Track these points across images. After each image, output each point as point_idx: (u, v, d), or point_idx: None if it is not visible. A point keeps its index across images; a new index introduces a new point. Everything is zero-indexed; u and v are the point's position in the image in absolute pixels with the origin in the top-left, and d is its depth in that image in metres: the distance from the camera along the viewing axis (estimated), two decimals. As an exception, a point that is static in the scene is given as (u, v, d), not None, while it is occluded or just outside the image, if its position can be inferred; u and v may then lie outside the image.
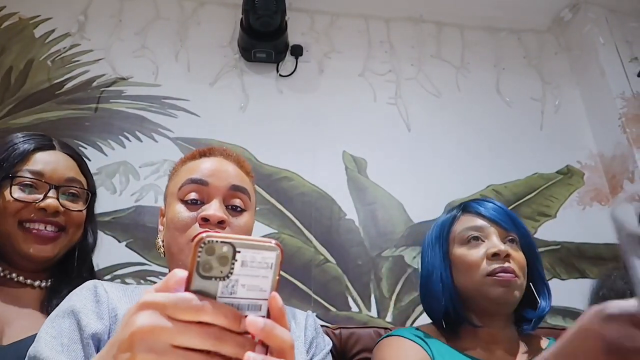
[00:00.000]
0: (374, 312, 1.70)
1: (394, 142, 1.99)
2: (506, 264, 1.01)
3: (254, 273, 0.42)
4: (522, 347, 1.05)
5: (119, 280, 1.58)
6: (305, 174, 1.86)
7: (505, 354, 1.02)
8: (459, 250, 1.06)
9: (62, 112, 1.80)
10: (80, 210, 1.05)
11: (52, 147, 1.06)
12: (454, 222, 1.11)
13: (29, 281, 1.01)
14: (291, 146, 1.90)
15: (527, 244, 1.09)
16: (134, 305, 0.43)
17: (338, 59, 2.11)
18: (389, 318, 1.70)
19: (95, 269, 1.55)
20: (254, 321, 0.41)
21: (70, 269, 1.06)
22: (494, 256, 1.01)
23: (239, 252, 0.41)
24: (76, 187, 1.05)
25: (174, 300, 0.40)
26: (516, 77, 2.21)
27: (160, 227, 0.94)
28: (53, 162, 1.03)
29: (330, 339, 1.27)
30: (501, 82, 2.18)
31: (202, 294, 0.41)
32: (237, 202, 0.88)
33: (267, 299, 0.43)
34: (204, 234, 0.41)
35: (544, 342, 1.09)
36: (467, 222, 1.08)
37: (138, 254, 1.64)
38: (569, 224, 1.93)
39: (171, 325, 0.40)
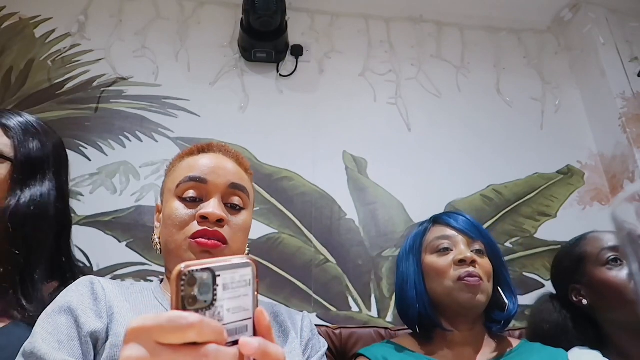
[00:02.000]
0: (374, 312, 1.70)
1: (394, 142, 1.99)
2: (471, 269, 1.09)
3: (235, 294, 0.42)
4: (490, 347, 1.12)
5: (119, 280, 1.58)
6: (306, 174, 1.86)
7: (473, 354, 1.10)
8: (430, 258, 1.15)
9: (63, 112, 1.80)
10: None
11: None
12: (425, 233, 1.20)
13: None
14: (291, 146, 1.90)
15: (493, 252, 1.17)
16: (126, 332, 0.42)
17: (338, 59, 2.11)
18: (389, 318, 1.70)
19: (96, 268, 1.57)
20: (248, 343, 0.40)
21: (21, 248, 0.91)
22: (461, 262, 1.10)
23: (219, 275, 0.41)
24: None
25: (158, 323, 0.39)
26: (516, 77, 2.21)
27: (157, 224, 0.93)
28: None
29: (331, 339, 1.28)
30: (501, 82, 2.18)
31: None
32: (235, 200, 0.88)
33: (251, 318, 0.43)
34: (182, 266, 0.40)
35: (515, 342, 1.15)
36: (437, 232, 1.18)
37: (138, 254, 1.64)
38: (569, 224, 1.93)
39: (158, 355, 0.39)
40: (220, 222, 0.83)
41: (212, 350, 0.39)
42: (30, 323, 0.78)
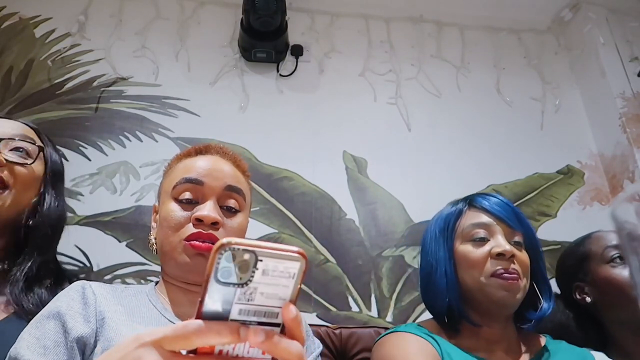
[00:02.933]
0: (374, 312, 1.70)
1: (394, 142, 1.99)
2: (510, 266, 1.00)
3: (274, 282, 0.41)
4: (522, 347, 1.05)
5: (119, 280, 1.58)
6: (306, 174, 1.86)
7: (505, 354, 1.02)
8: (464, 247, 1.04)
9: (63, 112, 1.80)
10: (24, 164, 0.95)
11: (8, 118, 1.01)
12: (460, 216, 1.09)
13: None
14: (291, 146, 1.90)
15: (532, 244, 1.08)
16: (129, 340, 0.42)
17: (338, 59, 2.11)
18: (389, 318, 1.70)
19: (96, 268, 1.57)
20: (256, 332, 0.40)
21: (33, 244, 0.95)
22: (499, 256, 1.00)
23: (261, 260, 0.40)
24: (25, 142, 0.96)
25: (165, 334, 0.40)
26: (516, 77, 2.21)
27: (154, 224, 0.93)
28: (2, 120, 0.98)
29: (331, 338, 1.28)
30: (501, 81, 2.18)
31: (217, 299, 0.40)
32: (231, 202, 0.88)
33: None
34: (225, 240, 0.40)
35: (542, 340, 1.09)
36: (473, 218, 1.07)
37: (138, 253, 1.64)
38: (569, 224, 1.93)
39: None
40: (215, 224, 0.83)
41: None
42: (28, 318, 0.80)
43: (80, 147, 1.74)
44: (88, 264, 1.58)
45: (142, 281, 1.60)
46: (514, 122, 2.11)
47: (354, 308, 1.69)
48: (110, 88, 1.88)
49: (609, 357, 1.09)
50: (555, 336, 1.13)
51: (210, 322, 0.39)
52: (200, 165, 0.88)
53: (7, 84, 1.79)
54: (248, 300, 0.40)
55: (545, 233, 1.91)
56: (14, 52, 1.86)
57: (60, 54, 1.90)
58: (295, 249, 0.41)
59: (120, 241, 1.65)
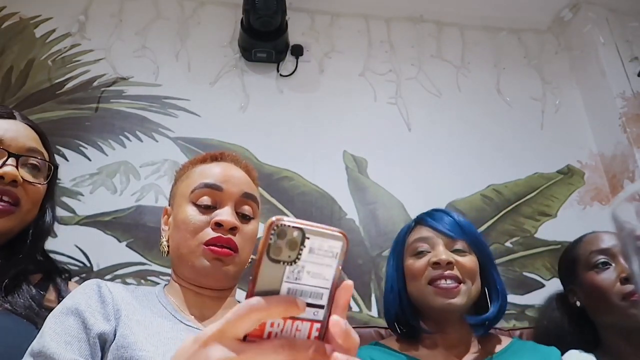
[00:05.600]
0: (374, 312, 1.70)
1: (395, 142, 1.99)
2: (447, 272, 1.06)
3: (319, 261, 0.42)
4: (476, 348, 1.10)
5: (119, 280, 1.58)
6: (306, 174, 1.86)
7: (458, 356, 1.08)
8: (408, 261, 1.13)
9: (63, 112, 1.80)
10: (39, 185, 0.97)
11: (12, 117, 1.00)
12: (408, 234, 1.18)
13: None
14: (291, 146, 1.90)
15: (479, 249, 1.13)
16: (188, 343, 0.43)
17: (338, 59, 2.11)
18: (389, 318, 1.70)
19: (96, 268, 1.57)
20: (337, 322, 0.42)
21: (22, 250, 0.96)
22: (435, 265, 1.07)
23: (308, 238, 0.41)
24: (37, 159, 0.98)
25: (227, 320, 0.41)
26: (516, 77, 2.21)
27: (165, 227, 0.94)
28: (14, 130, 0.96)
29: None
30: (501, 81, 2.18)
31: (268, 278, 0.41)
32: (246, 209, 0.90)
33: (328, 288, 0.43)
34: (274, 218, 0.41)
35: (505, 341, 1.13)
36: (416, 234, 1.15)
37: (139, 253, 1.64)
38: (569, 224, 1.93)
39: (243, 355, 0.40)
40: (233, 230, 0.85)
41: (289, 341, 0.41)
42: (18, 312, 0.83)
43: (81, 147, 1.74)
44: (88, 264, 1.58)
45: (142, 281, 1.60)
46: (514, 122, 2.11)
47: (355, 308, 1.69)
48: (111, 88, 1.88)
49: (600, 358, 1.10)
50: (550, 334, 1.15)
51: (268, 297, 0.40)
52: (218, 172, 0.91)
53: (7, 83, 1.79)
54: (296, 279, 0.41)
55: (546, 233, 1.91)
56: (14, 52, 1.86)
57: (61, 54, 1.90)
58: (336, 229, 0.43)
59: (120, 241, 1.65)
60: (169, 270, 0.96)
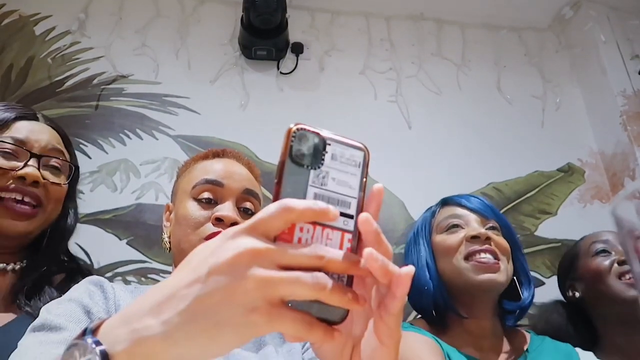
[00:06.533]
0: (374, 310, 1.70)
1: (395, 140, 1.98)
2: (485, 245, 1.00)
3: (343, 169, 0.43)
4: (508, 345, 1.04)
5: (119, 278, 1.58)
6: (306, 172, 1.86)
7: (492, 350, 1.02)
8: (440, 237, 1.06)
9: (63, 110, 1.80)
10: (61, 185, 0.98)
11: (36, 118, 1.01)
12: (434, 215, 1.12)
13: None
14: (292, 144, 1.90)
15: (509, 234, 1.09)
16: (217, 237, 0.40)
17: (339, 57, 2.11)
18: (389, 316, 1.69)
19: (96, 266, 1.57)
20: (367, 218, 0.41)
21: (47, 251, 0.98)
22: (474, 238, 1.01)
23: (329, 144, 0.42)
24: (59, 159, 0.99)
25: (264, 217, 0.39)
26: (517, 75, 2.21)
27: (167, 223, 0.95)
28: (37, 131, 0.98)
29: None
30: (502, 80, 2.18)
31: (293, 182, 0.41)
32: (248, 205, 0.91)
33: (356, 198, 0.43)
34: (293, 124, 0.41)
35: (527, 337, 1.09)
36: (446, 212, 1.10)
37: (139, 251, 1.64)
38: (569, 222, 1.93)
39: (275, 246, 0.38)
40: (234, 225, 0.84)
41: (321, 246, 0.39)
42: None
43: (81, 145, 1.74)
44: (89, 262, 1.58)
45: (143, 279, 1.60)
46: (515, 120, 2.11)
47: (354, 306, 1.69)
48: (111, 86, 1.87)
49: (598, 356, 1.10)
50: (550, 336, 1.14)
51: (299, 199, 0.39)
52: (219, 168, 0.91)
53: (7, 81, 1.79)
54: (322, 185, 0.41)
55: (546, 231, 1.91)
56: (14, 49, 1.85)
57: (60, 52, 1.89)
58: (356, 140, 0.44)
59: (120, 239, 1.65)
60: (169, 268, 0.96)
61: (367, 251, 0.40)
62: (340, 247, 0.41)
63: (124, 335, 0.37)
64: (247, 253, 0.37)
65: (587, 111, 2.18)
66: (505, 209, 1.93)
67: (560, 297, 1.35)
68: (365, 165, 0.44)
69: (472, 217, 1.06)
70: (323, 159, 0.41)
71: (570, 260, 1.29)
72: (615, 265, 1.15)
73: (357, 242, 0.42)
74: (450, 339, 1.01)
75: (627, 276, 1.11)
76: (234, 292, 0.36)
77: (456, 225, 1.05)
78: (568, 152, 2.08)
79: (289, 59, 2.06)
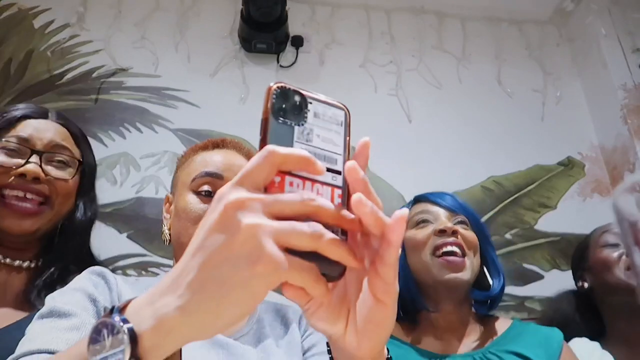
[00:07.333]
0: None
1: (395, 134, 1.98)
2: (452, 239, 1.03)
3: (327, 126, 0.43)
4: (478, 332, 1.07)
5: (120, 271, 1.59)
6: (306, 166, 1.86)
7: (459, 340, 1.05)
8: (409, 233, 1.09)
9: (63, 103, 1.79)
10: (66, 179, 0.97)
11: (45, 116, 1.01)
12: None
13: (9, 260, 0.93)
14: (292, 137, 1.90)
15: (478, 227, 1.12)
16: (212, 204, 0.39)
17: (339, 50, 2.10)
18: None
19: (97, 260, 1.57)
20: (354, 166, 0.40)
21: (59, 247, 0.97)
22: (441, 232, 1.04)
23: (310, 103, 0.42)
24: (63, 155, 0.98)
25: (249, 168, 0.38)
26: (517, 69, 2.20)
27: (167, 215, 0.94)
28: (42, 129, 0.97)
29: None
30: (502, 73, 2.18)
31: (278, 138, 0.40)
32: None
33: (341, 154, 0.43)
34: (273, 82, 0.41)
35: (505, 323, 1.10)
36: (418, 209, 1.13)
37: (139, 245, 1.64)
38: (569, 215, 1.93)
39: (264, 195, 0.37)
40: None
41: (313, 194, 0.39)
42: None
43: (81, 139, 1.74)
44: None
45: (143, 272, 1.60)
46: (515, 114, 2.11)
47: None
48: (110, 79, 1.87)
49: (605, 346, 1.11)
50: (557, 325, 1.14)
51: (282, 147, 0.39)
52: (219, 160, 0.90)
53: (6, 75, 1.79)
54: (307, 141, 0.41)
55: (546, 225, 1.92)
56: (13, 43, 1.85)
57: (60, 45, 1.89)
58: (336, 100, 0.44)
59: (120, 232, 1.65)
60: (169, 262, 0.96)
61: (356, 196, 0.39)
62: (332, 201, 0.41)
63: (148, 314, 0.37)
64: (232, 205, 0.36)
65: (587, 105, 2.18)
66: (505, 202, 1.93)
67: (574, 288, 1.36)
68: (347, 124, 0.44)
69: (442, 212, 1.09)
70: (306, 116, 0.42)
71: (581, 252, 1.32)
72: (624, 257, 1.17)
73: (347, 199, 0.41)
74: (417, 335, 1.06)
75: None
76: (231, 247, 0.35)
77: (425, 221, 1.08)
78: (568, 146, 2.08)
79: (289, 52, 2.05)
